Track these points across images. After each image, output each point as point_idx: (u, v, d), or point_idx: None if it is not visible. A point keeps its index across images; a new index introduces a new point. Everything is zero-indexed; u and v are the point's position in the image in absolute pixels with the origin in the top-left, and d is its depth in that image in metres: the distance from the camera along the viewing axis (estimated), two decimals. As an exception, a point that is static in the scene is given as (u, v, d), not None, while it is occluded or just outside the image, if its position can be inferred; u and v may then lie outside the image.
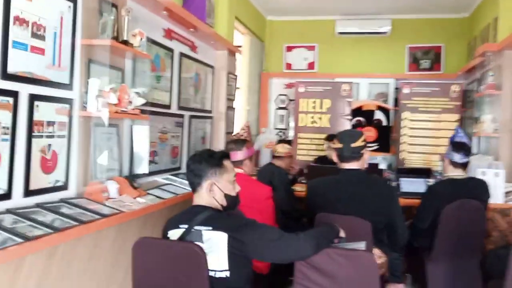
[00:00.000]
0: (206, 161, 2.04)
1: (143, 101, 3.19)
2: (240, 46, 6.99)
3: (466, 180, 3.17)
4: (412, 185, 3.84)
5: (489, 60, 4.88)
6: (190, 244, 1.87)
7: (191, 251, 1.83)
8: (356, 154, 2.61)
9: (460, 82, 5.43)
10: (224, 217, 1.98)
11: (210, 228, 1.90)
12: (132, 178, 3.24)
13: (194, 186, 2.07)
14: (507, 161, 4.54)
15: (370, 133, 5.74)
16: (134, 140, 3.42)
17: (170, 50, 3.98)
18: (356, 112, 5.95)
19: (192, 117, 4.49)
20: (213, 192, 2.02)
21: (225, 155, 2.10)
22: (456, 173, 3.16)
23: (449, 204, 2.98)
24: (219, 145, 5.18)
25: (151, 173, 3.69)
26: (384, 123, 5.90)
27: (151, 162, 3.69)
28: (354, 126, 5.74)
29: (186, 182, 2.31)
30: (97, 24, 2.94)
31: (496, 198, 3.64)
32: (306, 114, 5.80)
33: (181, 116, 4.25)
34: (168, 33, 3.94)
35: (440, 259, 3.08)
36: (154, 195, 3.22)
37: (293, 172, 4.32)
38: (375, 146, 5.71)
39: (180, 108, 4.22)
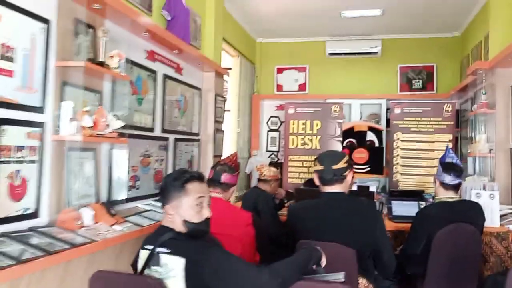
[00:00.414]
0: (169, 183, 1.90)
1: (121, 124, 3.08)
2: (229, 68, 6.94)
3: (459, 203, 3.02)
4: (404, 208, 3.70)
5: (481, 78, 4.79)
6: (146, 278, 1.74)
7: (147, 286, 1.68)
8: (338, 177, 2.47)
9: (453, 101, 5.34)
10: (184, 240, 1.81)
11: (168, 251, 1.76)
12: (109, 204, 3.10)
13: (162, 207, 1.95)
14: (503, 182, 4.41)
15: (362, 154, 5.61)
16: (113, 164, 3.29)
17: (153, 72, 3.88)
18: (348, 133, 5.84)
19: (177, 140, 4.36)
20: (170, 216, 1.87)
21: (194, 177, 1.92)
22: (447, 195, 3.02)
23: (441, 228, 2.84)
24: (207, 168, 5.04)
25: (132, 199, 3.56)
26: (377, 144, 5.79)
27: (132, 187, 3.55)
28: (344, 148, 5.62)
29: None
30: (72, 45, 2.84)
31: (492, 221, 3.49)
32: (296, 136, 5.68)
33: (166, 139, 4.13)
34: (151, 55, 3.84)
35: (434, 286, 2.92)
36: (133, 222, 3.07)
37: (279, 197, 4.11)
38: (367, 168, 5.58)
39: (164, 131, 4.10)
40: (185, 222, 1.84)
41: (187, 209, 1.85)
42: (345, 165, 2.49)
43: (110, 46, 3.08)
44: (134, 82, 3.56)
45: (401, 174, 5.30)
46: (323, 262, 1.91)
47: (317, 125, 5.61)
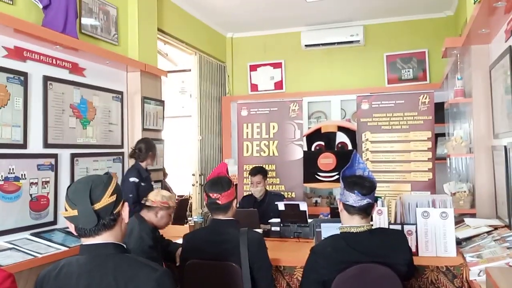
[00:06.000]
0: None
1: None
2: (189, 70, 6.19)
3: (367, 234, 2.09)
4: (333, 232, 2.79)
5: (456, 59, 3.83)
6: None
7: None
8: (107, 221, 1.52)
9: (430, 91, 4.35)
10: None
11: None
12: None
13: None
14: (485, 189, 3.44)
15: (327, 160, 4.68)
16: None
17: (21, 74, 3.14)
18: (316, 136, 4.93)
19: (77, 155, 3.62)
20: None
21: None
22: (353, 224, 2.11)
23: (341, 272, 1.96)
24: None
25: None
26: (350, 147, 4.85)
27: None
28: (311, 154, 4.72)
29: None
30: None
31: (446, 249, 2.55)
32: (251, 142, 4.84)
33: (52, 156, 3.38)
34: (16, 53, 3.11)
35: None
36: None
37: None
38: (334, 175, 4.65)
39: (49, 145, 3.35)
40: None
41: None
42: (114, 198, 1.57)
43: None
44: (-22, 88, 2.84)
45: (371, 182, 4.36)
46: None
47: (273, 127, 4.75)
